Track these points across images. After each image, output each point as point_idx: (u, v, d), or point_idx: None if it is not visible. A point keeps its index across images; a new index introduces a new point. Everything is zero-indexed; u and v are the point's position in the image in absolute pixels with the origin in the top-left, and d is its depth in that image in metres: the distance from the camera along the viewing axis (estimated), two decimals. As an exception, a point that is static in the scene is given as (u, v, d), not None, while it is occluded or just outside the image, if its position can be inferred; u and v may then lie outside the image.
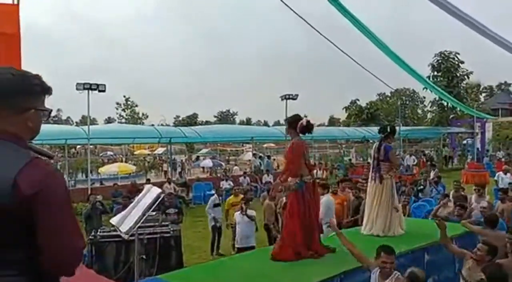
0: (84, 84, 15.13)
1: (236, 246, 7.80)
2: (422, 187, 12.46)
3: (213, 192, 17.77)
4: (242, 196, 8.72)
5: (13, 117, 1.65)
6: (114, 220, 2.45)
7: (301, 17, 9.01)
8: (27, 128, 1.69)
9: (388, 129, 6.10)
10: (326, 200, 7.23)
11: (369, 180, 6.13)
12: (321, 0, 8.70)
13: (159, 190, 2.55)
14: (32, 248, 1.58)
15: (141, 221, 2.35)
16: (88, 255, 6.53)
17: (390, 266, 4.09)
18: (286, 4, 8.35)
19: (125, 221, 2.37)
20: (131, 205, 2.51)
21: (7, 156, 1.58)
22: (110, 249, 6.66)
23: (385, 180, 5.89)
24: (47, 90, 1.78)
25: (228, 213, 9.02)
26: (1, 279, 1.57)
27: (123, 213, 2.45)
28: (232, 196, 9.51)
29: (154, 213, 9.65)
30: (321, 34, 9.81)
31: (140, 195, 2.54)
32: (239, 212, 7.72)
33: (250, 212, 7.75)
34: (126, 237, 2.42)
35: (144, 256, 4.97)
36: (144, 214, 2.37)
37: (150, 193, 2.48)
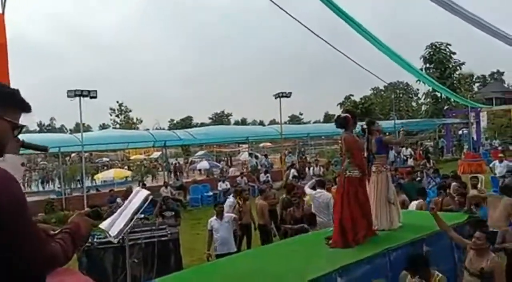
0: (75, 91, 15.07)
1: (215, 253, 7.26)
2: (419, 178, 12.46)
3: (211, 193, 17.87)
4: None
5: None
6: (103, 225, 2.40)
7: (293, 17, 9.00)
8: None
9: (365, 125, 6.09)
10: (323, 196, 7.22)
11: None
12: (312, -1, 8.69)
13: (147, 192, 2.51)
14: None
15: (130, 224, 2.30)
16: (85, 262, 6.47)
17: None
18: (277, 5, 8.33)
19: (114, 225, 2.32)
20: (120, 208, 2.47)
21: None
22: (108, 255, 6.59)
23: (381, 174, 5.86)
24: (21, 104, 1.68)
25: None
26: None
27: (112, 217, 2.40)
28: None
29: (151, 217, 9.66)
30: (313, 32, 9.80)
31: (129, 198, 2.50)
32: (214, 217, 7.38)
33: (227, 216, 7.46)
34: (115, 241, 2.37)
35: (136, 260, 4.91)
36: (133, 217, 2.32)
37: (138, 196, 2.43)
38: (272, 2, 7.64)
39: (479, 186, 9.30)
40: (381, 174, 5.83)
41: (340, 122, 5.39)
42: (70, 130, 46.71)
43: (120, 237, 2.29)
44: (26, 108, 1.70)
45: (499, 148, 27.13)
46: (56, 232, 1.88)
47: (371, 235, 5.30)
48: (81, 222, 1.92)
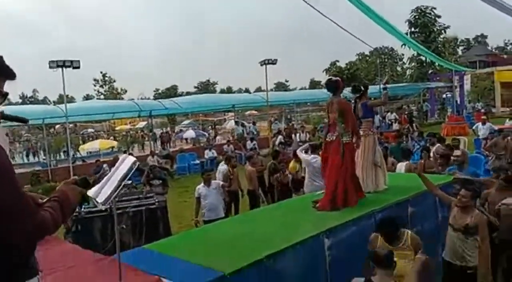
0: (57, 61, 14.68)
1: (203, 219, 7.33)
2: (404, 142, 12.62)
3: (197, 161, 17.89)
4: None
5: None
6: (91, 192, 2.37)
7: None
8: None
9: (362, 88, 6.06)
10: (319, 161, 7.25)
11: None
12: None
13: (133, 158, 2.47)
14: None
15: (118, 191, 2.27)
16: (73, 231, 6.48)
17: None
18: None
19: (101, 192, 2.30)
20: (107, 176, 2.43)
21: None
22: (96, 223, 6.61)
23: (368, 137, 5.89)
24: (6, 71, 1.64)
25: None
26: None
27: (99, 184, 2.37)
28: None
29: (138, 186, 9.66)
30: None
31: (116, 165, 2.46)
32: (201, 185, 7.38)
33: (214, 183, 7.47)
34: (103, 208, 2.36)
35: (124, 226, 4.92)
36: (120, 183, 2.29)
37: (125, 162, 2.40)
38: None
39: (461, 146, 9.48)
40: (368, 137, 5.85)
41: (331, 86, 5.36)
42: (54, 102, 45.70)
43: (108, 203, 2.27)
44: (11, 75, 1.66)
45: (482, 111, 27.52)
46: (44, 200, 1.85)
47: (362, 197, 5.40)
48: (68, 190, 1.89)
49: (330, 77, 5.64)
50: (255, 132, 22.92)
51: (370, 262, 3.47)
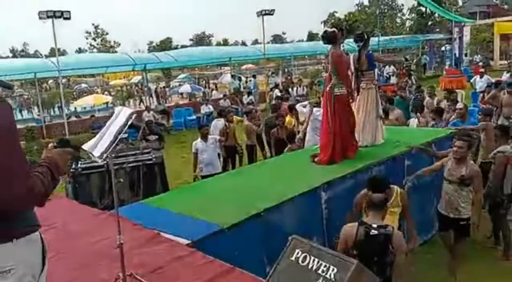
0: (47, 12, 14.16)
1: (201, 174, 7.26)
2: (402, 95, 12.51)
3: (194, 117, 17.78)
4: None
5: None
6: (86, 146, 2.31)
7: None
8: None
9: (365, 36, 5.83)
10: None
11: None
12: None
13: (131, 110, 2.38)
14: None
15: (115, 144, 2.21)
16: (70, 188, 6.50)
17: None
18: None
19: (97, 146, 2.23)
20: (103, 129, 2.36)
21: None
22: (93, 179, 6.60)
23: (370, 90, 5.81)
24: None
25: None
26: None
27: (95, 138, 2.30)
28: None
29: (135, 141, 9.63)
30: None
31: (112, 118, 2.38)
32: (198, 140, 7.31)
33: (211, 138, 7.41)
34: (99, 161, 2.30)
35: (121, 180, 4.92)
36: (117, 136, 2.22)
37: (121, 114, 2.31)
38: None
39: (459, 99, 9.56)
40: (370, 90, 5.80)
41: (327, 37, 5.20)
42: (46, 55, 44.66)
43: (104, 157, 2.21)
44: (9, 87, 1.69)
45: (480, 64, 27.19)
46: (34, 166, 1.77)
47: (356, 150, 5.41)
48: (56, 155, 1.80)
49: (325, 29, 5.44)
50: (251, 87, 22.58)
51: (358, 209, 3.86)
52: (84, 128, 15.68)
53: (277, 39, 74.00)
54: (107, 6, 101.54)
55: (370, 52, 5.96)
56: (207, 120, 15.85)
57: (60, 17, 14.44)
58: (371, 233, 3.25)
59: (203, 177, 7.07)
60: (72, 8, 14.76)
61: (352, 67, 5.67)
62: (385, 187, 3.93)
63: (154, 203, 4.29)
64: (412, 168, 5.32)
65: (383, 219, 3.49)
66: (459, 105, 7.53)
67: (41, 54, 50.81)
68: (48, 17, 14.23)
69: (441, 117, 7.73)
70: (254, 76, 24.47)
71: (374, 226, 3.29)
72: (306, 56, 35.17)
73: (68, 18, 14.67)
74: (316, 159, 5.28)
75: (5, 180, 1.49)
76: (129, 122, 2.21)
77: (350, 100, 5.44)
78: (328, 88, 5.23)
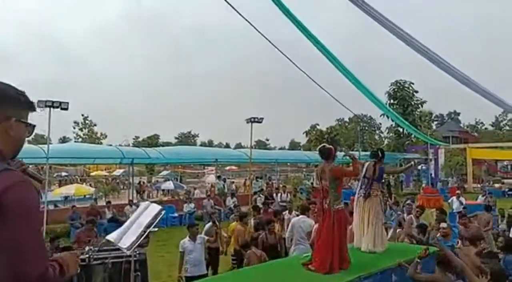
0: (46, 101, 14.64)
1: (185, 275, 7.08)
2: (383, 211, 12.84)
3: (176, 214, 17.57)
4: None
5: None
6: (111, 237, 2.42)
7: (270, 42, 9.24)
8: (8, 138, 1.59)
9: (380, 154, 6.63)
10: (307, 222, 7.37)
11: (357, 197, 6.41)
12: (287, 25, 9.02)
13: (160, 207, 2.54)
14: None
15: (142, 238, 2.32)
16: None
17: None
18: (257, 30, 8.60)
19: (124, 238, 2.34)
20: (128, 221, 2.49)
21: None
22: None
23: (375, 198, 6.28)
24: (31, 104, 1.69)
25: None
26: None
27: (120, 230, 2.42)
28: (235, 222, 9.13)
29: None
30: (286, 56, 9.98)
31: (137, 211, 2.52)
32: (187, 238, 7.24)
33: (200, 238, 7.35)
34: (128, 253, 2.37)
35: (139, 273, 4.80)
36: (146, 230, 2.35)
37: (149, 210, 2.46)
38: (259, 32, 7.88)
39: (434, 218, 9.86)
40: (376, 197, 6.27)
41: (325, 153, 5.61)
42: (29, 141, 44.76)
43: (132, 249, 2.30)
44: (32, 108, 1.70)
45: (455, 185, 28.40)
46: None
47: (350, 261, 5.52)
48: (66, 257, 1.77)
49: (324, 144, 5.94)
50: (233, 189, 22.83)
51: None
52: (62, 219, 15.26)
53: (261, 144, 76.52)
54: (98, 97, 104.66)
55: (382, 166, 6.60)
56: (189, 219, 15.70)
57: (58, 107, 14.89)
58: None
59: (187, 278, 6.88)
60: (61, 93, 15.23)
61: (362, 174, 6.24)
62: None
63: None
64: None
65: None
66: (443, 224, 7.82)
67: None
68: (46, 106, 14.67)
69: (424, 234, 7.96)
70: (232, 182, 24.97)
71: None
72: (288, 163, 36.17)
73: (66, 109, 15.13)
74: (310, 267, 5.32)
75: (30, 257, 1.49)
76: (159, 219, 2.35)
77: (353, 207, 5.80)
78: (326, 205, 5.47)
